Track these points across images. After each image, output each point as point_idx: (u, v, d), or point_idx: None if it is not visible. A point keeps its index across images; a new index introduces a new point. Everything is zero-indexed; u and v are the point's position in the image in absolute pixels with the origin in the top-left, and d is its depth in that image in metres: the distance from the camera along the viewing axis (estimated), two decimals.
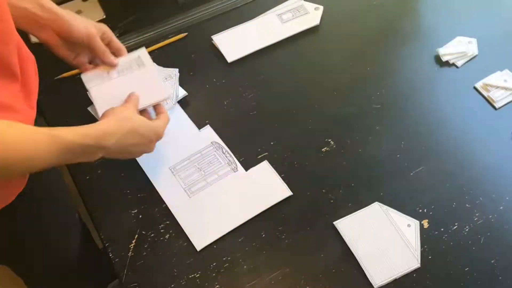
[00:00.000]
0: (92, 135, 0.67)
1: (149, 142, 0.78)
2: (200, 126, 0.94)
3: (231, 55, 1.03)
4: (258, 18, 1.09)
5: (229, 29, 1.07)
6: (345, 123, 0.95)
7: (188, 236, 0.82)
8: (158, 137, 0.80)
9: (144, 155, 0.81)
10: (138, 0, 1.10)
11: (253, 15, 1.10)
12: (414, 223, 0.83)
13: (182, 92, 0.97)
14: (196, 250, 0.81)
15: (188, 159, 0.89)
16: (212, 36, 1.06)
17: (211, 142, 0.91)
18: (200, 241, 0.81)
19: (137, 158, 0.87)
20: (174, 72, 0.98)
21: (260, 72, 1.01)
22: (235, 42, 1.05)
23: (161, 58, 1.02)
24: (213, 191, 0.86)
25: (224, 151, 0.90)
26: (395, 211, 0.84)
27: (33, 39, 1.01)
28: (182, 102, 0.97)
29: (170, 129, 0.84)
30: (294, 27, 1.08)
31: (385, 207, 0.84)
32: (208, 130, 0.93)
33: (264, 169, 0.89)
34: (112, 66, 0.86)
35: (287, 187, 0.86)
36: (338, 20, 1.10)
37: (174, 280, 0.78)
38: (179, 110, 0.96)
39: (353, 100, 0.98)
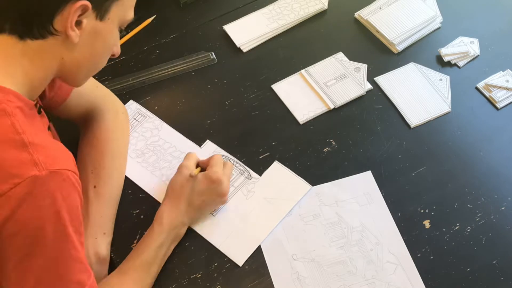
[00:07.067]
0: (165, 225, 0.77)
1: (210, 191, 0.80)
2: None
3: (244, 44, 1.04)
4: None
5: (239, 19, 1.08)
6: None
7: (227, 254, 0.80)
8: (215, 181, 0.79)
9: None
10: (140, 0, 1.10)
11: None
12: (445, 78, 0.97)
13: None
14: (197, 251, 0.81)
15: None
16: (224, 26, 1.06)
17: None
18: (240, 256, 0.80)
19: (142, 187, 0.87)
20: None
21: None
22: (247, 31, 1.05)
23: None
24: (236, 203, 0.85)
25: (232, 162, 0.89)
26: (429, 68, 0.99)
27: None
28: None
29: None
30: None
31: (419, 66, 0.99)
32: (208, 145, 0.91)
33: (277, 169, 0.88)
34: None
35: (305, 181, 0.86)
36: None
37: (176, 280, 0.78)
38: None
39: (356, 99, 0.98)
